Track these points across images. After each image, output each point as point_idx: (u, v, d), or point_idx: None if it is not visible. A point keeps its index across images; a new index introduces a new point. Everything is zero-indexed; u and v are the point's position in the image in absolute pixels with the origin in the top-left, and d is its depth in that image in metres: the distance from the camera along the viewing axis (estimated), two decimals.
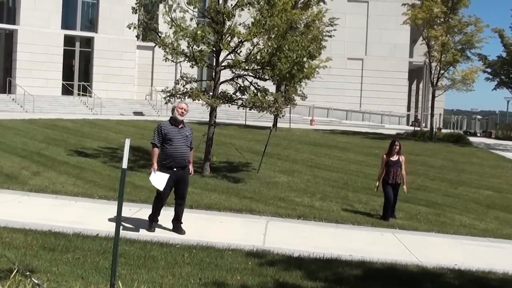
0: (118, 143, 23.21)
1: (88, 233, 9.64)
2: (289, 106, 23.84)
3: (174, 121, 10.55)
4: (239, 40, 17.91)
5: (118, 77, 48.71)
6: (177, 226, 10.71)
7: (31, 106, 40.03)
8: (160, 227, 10.81)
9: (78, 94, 47.40)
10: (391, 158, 13.86)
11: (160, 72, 48.28)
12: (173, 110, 10.65)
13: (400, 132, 41.52)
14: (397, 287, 8.36)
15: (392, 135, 39.75)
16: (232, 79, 18.75)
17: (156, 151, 10.46)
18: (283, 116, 20.03)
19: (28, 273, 6.47)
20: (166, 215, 11.00)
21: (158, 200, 10.58)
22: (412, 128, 49.19)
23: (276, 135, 30.17)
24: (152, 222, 10.63)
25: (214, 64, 18.66)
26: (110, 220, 10.78)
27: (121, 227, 6.99)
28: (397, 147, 13.91)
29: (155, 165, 10.32)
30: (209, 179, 17.44)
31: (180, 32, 17.57)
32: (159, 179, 10.28)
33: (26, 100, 40.60)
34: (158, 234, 10.17)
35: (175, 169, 10.33)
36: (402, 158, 13.96)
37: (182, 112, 10.54)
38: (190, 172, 10.87)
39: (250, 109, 18.89)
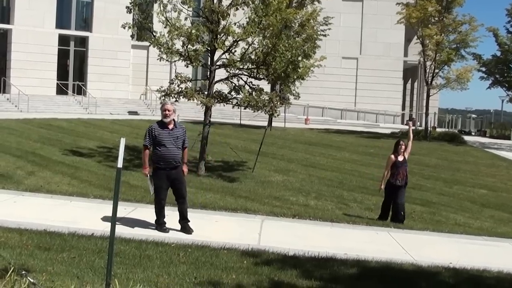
0: (113, 143, 23.21)
1: (83, 232, 9.63)
2: (284, 105, 23.86)
3: (162, 123, 10.41)
4: (234, 39, 17.93)
5: (113, 76, 48.63)
6: (184, 225, 10.60)
7: (26, 106, 39.95)
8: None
9: (73, 94, 47.34)
10: (399, 159, 13.47)
11: (155, 71, 48.20)
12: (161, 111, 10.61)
13: (395, 131, 41.56)
14: (392, 285, 8.37)
15: (387, 134, 39.84)
16: (227, 79, 18.77)
17: (147, 153, 10.43)
18: (278, 115, 20.04)
19: (23, 272, 6.46)
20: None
21: (157, 201, 10.52)
22: (406, 127, 49.22)
23: (271, 134, 30.18)
24: (161, 224, 10.51)
25: (209, 63, 18.67)
26: (105, 219, 10.78)
27: (116, 227, 6.98)
28: (403, 146, 13.54)
29: (147, 170, 10.43)
30: (204, 178, 17.46)
31: (175, 31, 17.58)
32: (150, 183, 10.51)
33: (20, 99, 40.51)
34: (154, 234, 10.15)
35: (167, 170, 10.31)
36: (407, 155, 13.67)
37: (166, 114, 10.32)
38: (184, 172, 10.76)
39: (245, 109, 18.91)
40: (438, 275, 8.97)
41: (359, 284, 8.26)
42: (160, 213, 10.53)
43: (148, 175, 10.51)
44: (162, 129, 10.34)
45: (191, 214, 11.73)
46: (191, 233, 10.38)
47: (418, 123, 54.07)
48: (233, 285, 7.61)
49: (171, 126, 10.40)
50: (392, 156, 13.54)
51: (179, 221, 10.68)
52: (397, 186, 13.38)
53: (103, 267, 7.52)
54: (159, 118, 10.69)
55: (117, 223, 7.16)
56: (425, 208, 16.19)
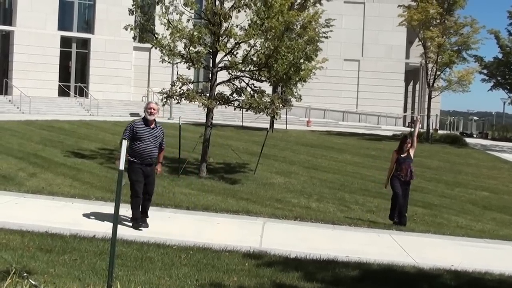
0: (114, 144, 23.19)
1: (85, 234, 9.63)
2: (285, 107, 23.87)
3: (145, 121, 10.92)
4: (236, 41, 17.93)
5: (115, 78, 48.64)
6: (142, 219, 10.92)
7: (28, 107, 39.99)
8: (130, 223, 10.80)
9: (75, 96, 47.38)
10: (401, 155, 13.32)
11: (157, 73, 48.11)
12: (144, 110, 11.07)
13: (397, 133, 41.53)
14: None
15: (389, 136, 39.83)
16: (228, 80, 18.77)
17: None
18: (279, 117, 20.03)
19: (25, 274, 6.47)
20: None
21: (134, 196, 10.77)
22: (408, 129, 49.23)
23: (272, 136, 30.18)
24: (136, 219, 10.74)
25: (211, 65, 18.68)
26: (107, 221, 10.79)
27: (118, 228, 6.98)
28: (409, 144, 13.38)
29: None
30: (206, 180, 17.46)
31: (177, 33, 17.59)
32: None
33: (22, 101, 40.54)
34: (156, 236, 10.15)
35: (142, 165, 10.69)
36: (412, 152, 13.46)
37: (151, 112, 10.88)
38: (158, 171, 11.26)
39: (246, 111, 18.91)
40: (440, 278, 8.96)
41: (360, 287, 8.25)
42: (136, 208, 10.79)
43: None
44: (143, 126, 10.87)
45: (193, 216, 11.77)
46: (146, 227, 10.69)
47: (420, 125, 54.00)
48: (234, 287, 7.61)
49: (152, 125, 10.93)
50: (395, 152, 13.51)
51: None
52: (401, 181, 13.24)
53: (105, 269, 7.52)
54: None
55: (118, 225, 7.17)
56: (427, 210, 16.18)
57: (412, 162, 13.42)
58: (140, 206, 10.79)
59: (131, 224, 10.71)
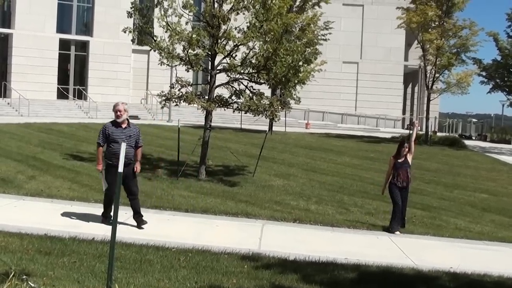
0: None
1: (84, 237, 9.64)
2: (284, 110, 23.85)
3: (116, 122, 11.01)
4: (235, 44, 17.93)
5: (114, 81, 48.69)
6: (138, 219, 11.06)
7: (26, 110, 39.99)
8: (129, 224, 10.80)
9: (74, 98, 47.40)
10: (398, 160, 13.05)
11: (156, 76, 48.20)
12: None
13: (395, 136, 41.55)
14: None
15: (387, 138, 39.85)
16: (227, 83, 18.77)
17: (101, 150, 10.98)
18: (278, 120, 20.01)
19: (24, 277, 6.47)
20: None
21: (108, 196, 10.96)
22: (407, 131, 49.24)
23: (271, 138, 30.17)
24: (107, 218, 11.01)
25: (210, 67, 18.67)
26: (106, 224, 10.80)
27: (116, 231, 6.99)
28: (406, 149, 13.09)
29: (100, 166, 10.96)
30: (205, 182, 17.45)
31: (176, 36, 17.59)
32: (103, 179, 11.02)
33: (21, 104, 40.56)
34: (155, 238, 10.14)
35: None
36: (410, 157, 13.16)
37: (118, 115, 10.93)
38: (136, 169, 11.14)
39: (245, 113, 18.89)
40: (439, 280, 8.97)
41: None
42: (108, 207, 11.01)
43: (102, 171, 10.99)
44: (115, 127, 10.96)
45: (192, 219, 11.77)
46: (143, 227, 10.92)
47: (419, 127, 53.99)
48: None
49: (124, 125, 11.03)
50: (392, 158, 13.29)
51: (133, 216, 11.14)
52: (398, 187, 12.98)
53: (104, 271, 7.52)
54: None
55: (117, 227, 7.17)
56: (426, 212, 16.17)
57: (409, 167, 13.20)
58: (111, 206, 10.67)
59: (130, 227, 10.71)
